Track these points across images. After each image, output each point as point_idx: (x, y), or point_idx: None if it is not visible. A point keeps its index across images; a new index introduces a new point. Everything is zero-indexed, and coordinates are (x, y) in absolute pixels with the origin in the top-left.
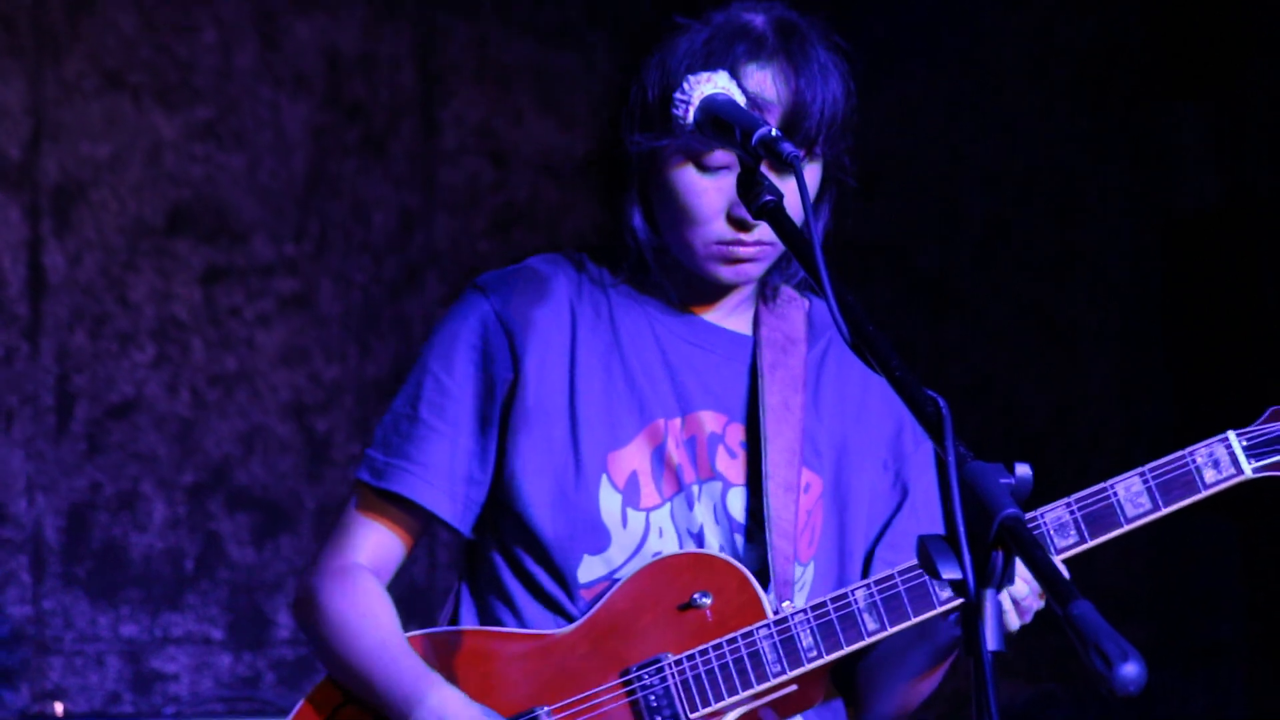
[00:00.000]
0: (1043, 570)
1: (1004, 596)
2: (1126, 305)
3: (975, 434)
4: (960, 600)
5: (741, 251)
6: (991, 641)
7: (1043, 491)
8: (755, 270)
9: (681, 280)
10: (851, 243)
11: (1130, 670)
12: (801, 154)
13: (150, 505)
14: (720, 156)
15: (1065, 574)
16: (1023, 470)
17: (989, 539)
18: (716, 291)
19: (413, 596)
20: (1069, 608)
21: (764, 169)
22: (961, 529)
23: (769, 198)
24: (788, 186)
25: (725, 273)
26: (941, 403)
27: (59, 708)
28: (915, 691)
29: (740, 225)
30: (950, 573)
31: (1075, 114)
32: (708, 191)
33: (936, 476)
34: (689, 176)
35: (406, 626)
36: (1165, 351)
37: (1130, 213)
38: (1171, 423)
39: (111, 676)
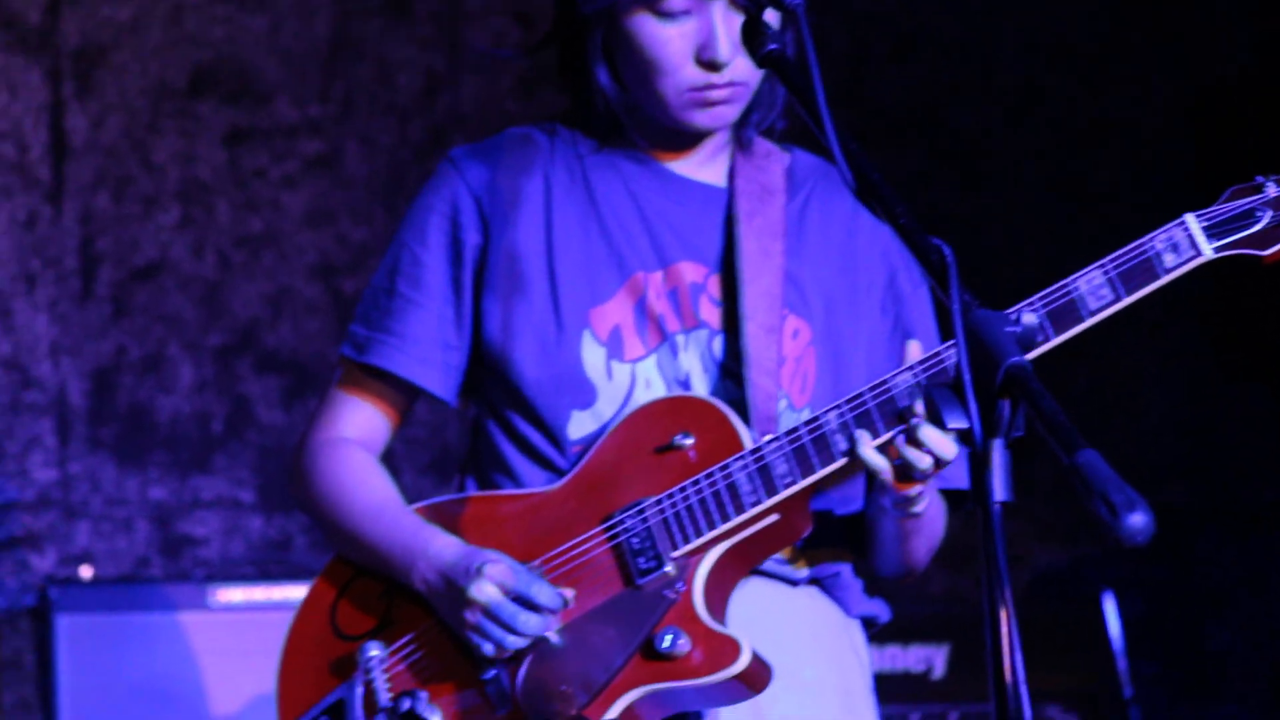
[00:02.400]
0: (1049, 418)
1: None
2: (1158, 172)
3: (1006, 303)
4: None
5: (715, 95)
6: (999, 492)
7: (1074, 359)
8: (731, 113)
9: (654, 135)
10: (882, 108)
11: (1137, 520)
12: (802, 1)
13: (177, 368)
14: (678, 2)
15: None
16: (1029, 318)
17: (995, 387)
18: (690, 143)
19: None
20: (1075, 457)
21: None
22: (968, 377)
23: (774, 46)
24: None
25: (701, 118)
26: (946, 250)
27: (86, 571)
28: (908, 553)
29: (710, 66)
30: (956, 422)
31: None
32: (672, 39)
33: (935, 319)
34: (650, 27)
35: None
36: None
37: (1165, 82)
38: (1200, 289)
39: (140, 541)
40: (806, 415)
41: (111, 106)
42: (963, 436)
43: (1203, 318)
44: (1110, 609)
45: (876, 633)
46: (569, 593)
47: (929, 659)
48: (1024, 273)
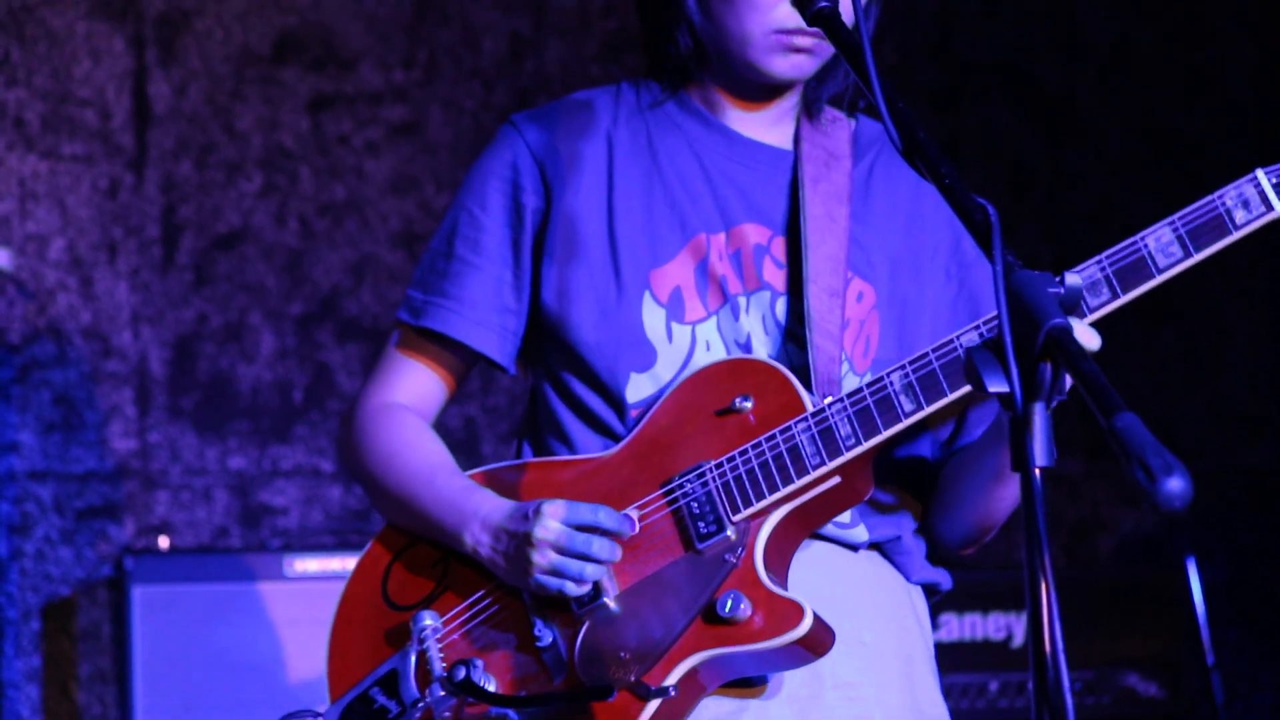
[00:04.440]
0: (1088, 381)
1: None
2: (1251, 128)
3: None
4: None
5: (801, 41)
6: (1041, 457)
7: (1165, 317)
8: (810, 65)
9: (727, 84)
10: (971, 65)
11: (1175, 485)
12: None
13: (258, 336)
14: None
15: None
16: (1072, 280)
17: (1035, 349)
18: (759, 99)
19: None
20: (1113, 420)
21: None
22: (1009, 339)
23: (824, 3)
24: None
25: (780, 64)
26: (990, 210)
27: (164, 542)
28: (997, 500)
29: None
30: (997, 385)
31: None
32: None
33: None
34: None
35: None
36: None
37: (1255, 33)
38: None
39: (219, 510)
40: (869, 379)
41: (194, 73)
42: (1002, 400)
43: None
44: (1193, 574)
45: (954, 600)
46: (635, 514)
47: (1009, 626)
48: (1112, 231)
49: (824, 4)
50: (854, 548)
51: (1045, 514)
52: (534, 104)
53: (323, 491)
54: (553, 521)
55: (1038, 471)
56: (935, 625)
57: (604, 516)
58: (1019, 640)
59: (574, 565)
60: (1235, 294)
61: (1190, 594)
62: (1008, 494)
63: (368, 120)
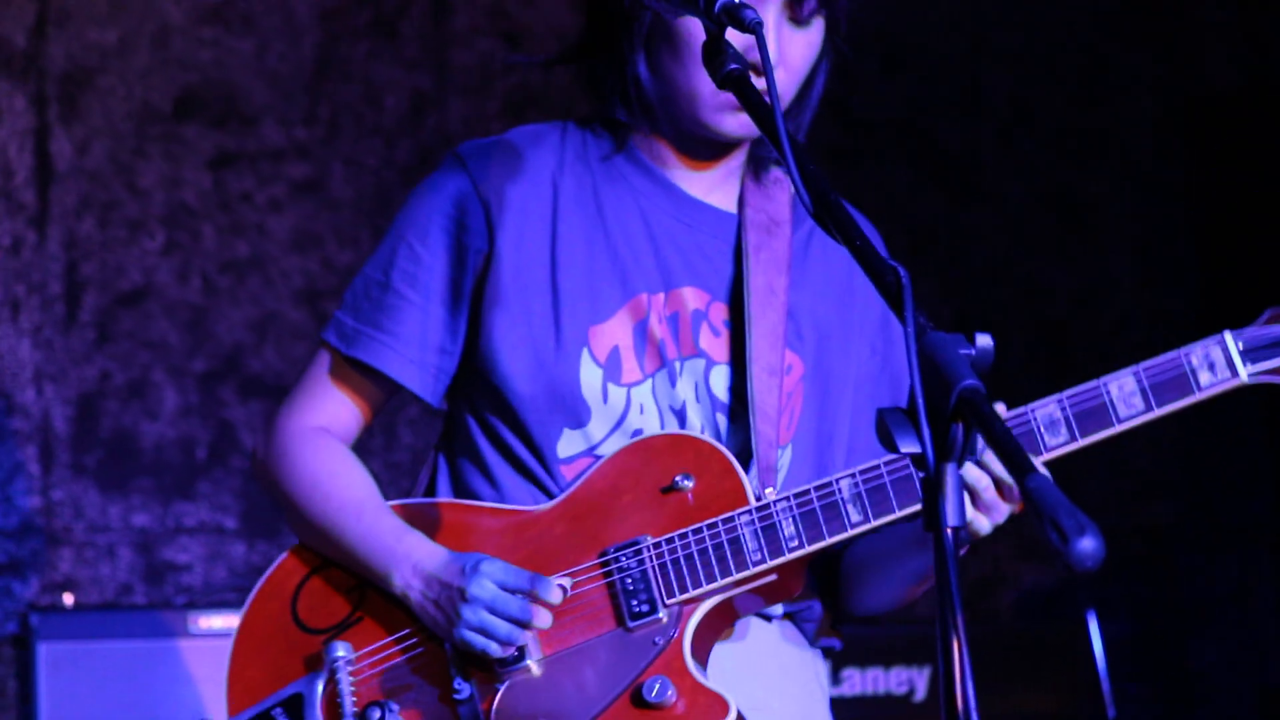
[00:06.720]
0: (1000, 442)
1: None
2: (1150, 188)
3: (996, 318)
4: None
5: None
6: (952, 517)
7: (1064, 377)
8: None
9: (672, 142)
10: (870, 124)
11: (1087, 545)
12: (762, 20)
13: (161, 393)
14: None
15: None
16: (984, 341)
17: (948, 411)
18: (705, 158)
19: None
20: (1026, 481)
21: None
22: (921, 401)
23: (734, 66)
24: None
25: (729, 124)
26: (902, 272)
27: (68, 599)
28: (913, 592)
29: (754, 69)
30: (909, 446)
31: None
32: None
33: None
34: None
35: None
36: (1189, 235)
37: (1154, 94)
38: (1195, 307)
39: (123, 567)
40: (789, 453)
41: (97, 130)
42: (915, 460)
43: (1187, 335)
44: (1094, 628)
45: (856, 655)
46: (567, 583)
47: (910, 680)
48: (1013, 289)
49: (733, 67)
50: (769, 617)
51: (958, 573)
52: (435, 162)
53: (226, 548)
54: (488, 581)
55: (950, 531)
56: (838, 680)
57: (539, 584)
58: (921, 695)
59: (503, 628)
60: (1130, 354)
61: (1091, 648)
62: (928, 584)
63: (270, 177)
